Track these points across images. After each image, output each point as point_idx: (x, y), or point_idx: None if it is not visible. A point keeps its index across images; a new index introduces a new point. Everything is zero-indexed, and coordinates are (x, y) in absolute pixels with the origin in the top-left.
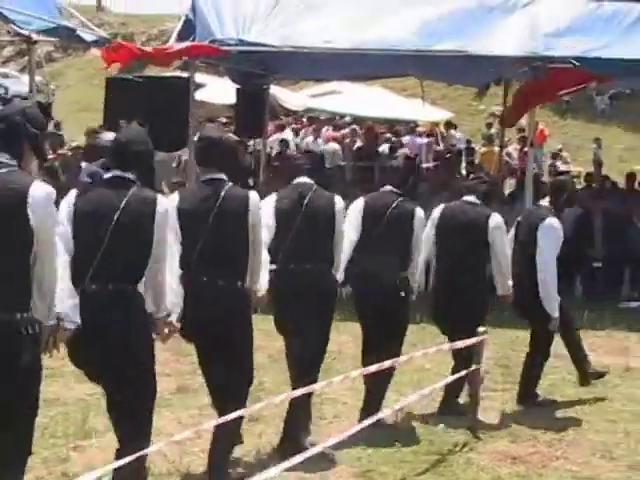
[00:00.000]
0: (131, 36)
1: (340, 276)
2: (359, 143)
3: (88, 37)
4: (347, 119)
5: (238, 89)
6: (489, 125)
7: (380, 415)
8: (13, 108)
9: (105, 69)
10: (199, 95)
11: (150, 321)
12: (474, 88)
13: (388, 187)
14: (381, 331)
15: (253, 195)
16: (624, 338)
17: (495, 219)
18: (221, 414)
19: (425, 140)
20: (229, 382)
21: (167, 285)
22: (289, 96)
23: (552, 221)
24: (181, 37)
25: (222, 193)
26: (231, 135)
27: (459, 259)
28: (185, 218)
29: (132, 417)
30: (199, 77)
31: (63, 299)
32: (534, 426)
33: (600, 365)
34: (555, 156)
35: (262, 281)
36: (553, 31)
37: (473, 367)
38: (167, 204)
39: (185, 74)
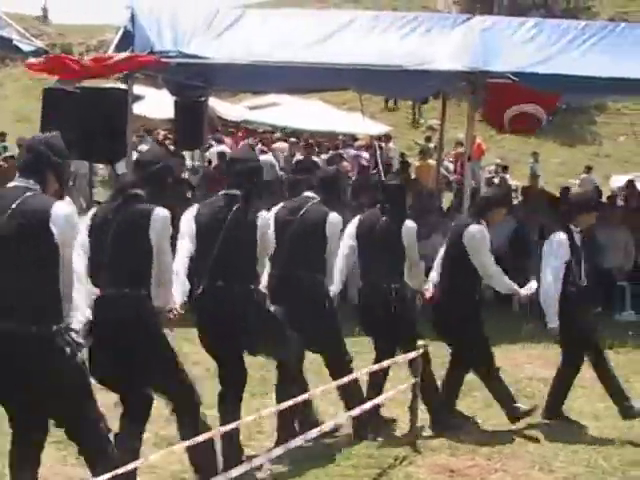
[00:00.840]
0: (69, 46)
1: None
2: (298, 156)
3: (25, 47)
4: (277, 134)
5: (176, 101)
6: (428, 138)
7: (318, 429)
8: (38, 139)
9: (43, 79)
10: (137, 107)
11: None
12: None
13: (307, 193)
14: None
15: (262, 214)
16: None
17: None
18: None
19: (364, 154)
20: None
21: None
22: (227, 108)
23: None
24: (119, 48)
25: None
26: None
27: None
28: (200, 227)
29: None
30: (137, 89)
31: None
32: (473, 440)
33: (537, 377)
34: (497, 170)
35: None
36: (492, 46)
37: (412, 381)
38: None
39: (123, 85)
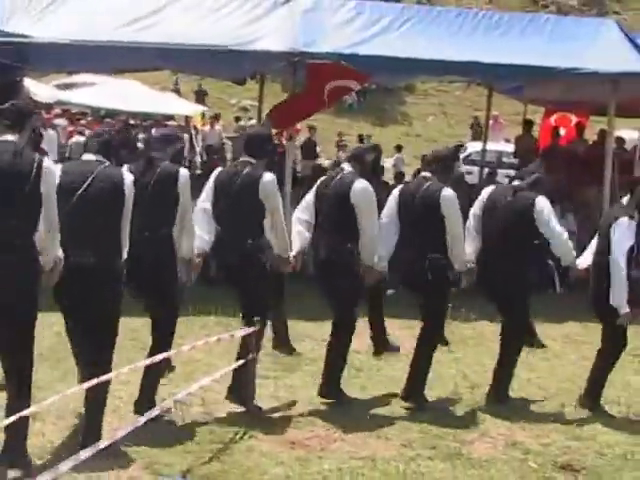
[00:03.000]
0: None
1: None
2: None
3: None
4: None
5: None
6: (237, 119)
7: (157, 409)
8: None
9: None
10: None
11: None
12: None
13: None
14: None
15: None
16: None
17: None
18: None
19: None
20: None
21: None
22: (40, 88)
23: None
24: None
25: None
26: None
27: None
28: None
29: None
30: None
31: None
32: (311, 412)
33: (364, 351)
34: None
35: None
36: (312, 28)
37: (249, 356)
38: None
39: None
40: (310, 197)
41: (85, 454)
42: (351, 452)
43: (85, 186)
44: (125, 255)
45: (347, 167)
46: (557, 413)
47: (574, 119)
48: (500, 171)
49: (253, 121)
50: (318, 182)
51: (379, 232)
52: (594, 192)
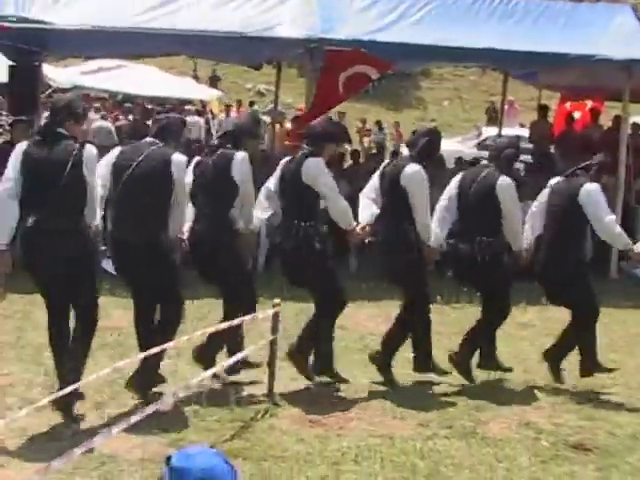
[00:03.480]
0: None
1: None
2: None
3: None
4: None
5: (12, 66)
6: (251, 103)
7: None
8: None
9: None
10: None
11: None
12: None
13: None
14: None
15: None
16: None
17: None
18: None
19: (197, 118)
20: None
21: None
22: (58, 73)
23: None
24: None
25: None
26: None
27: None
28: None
29: None
30: None
31: None
32: (327, 393)
33: (379, 333)
34: None
35: None
36: (330, 14)
37: (270, 337)
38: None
39: None
40: (375, 180)
41: (116, 429)
42: (369, 430)
43: (134, 165)
44: (177, 232)
45: (405, 152)
46: (569, 394)
47: (589, 104)
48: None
49: (270, 106)
50: (381, 166)
51: (437, 213)
52: (609, 177)
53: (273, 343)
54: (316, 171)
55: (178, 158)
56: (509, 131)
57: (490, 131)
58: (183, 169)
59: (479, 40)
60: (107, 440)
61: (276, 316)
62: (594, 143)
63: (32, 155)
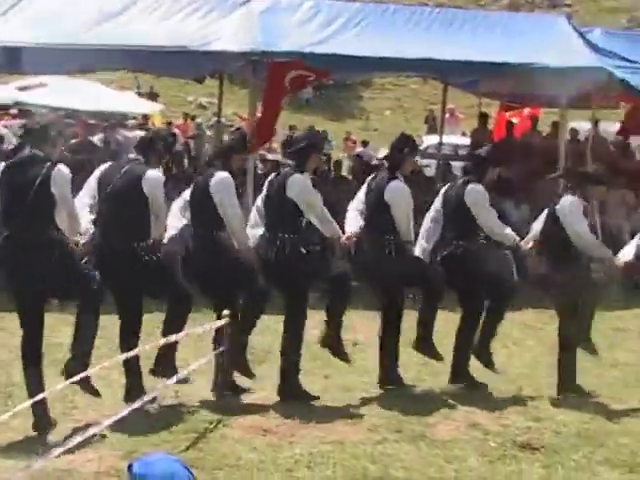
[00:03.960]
0: None
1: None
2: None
3: None
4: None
5: None
6: (192, 117)
7: (142, 400)
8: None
9: None
10: None
11: None
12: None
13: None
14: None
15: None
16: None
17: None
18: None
19: (139, 133)
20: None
21: None
22: None
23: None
24: None
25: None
26: None
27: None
28: None
29: None
30: None
31: None
32: (279, 401)
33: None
34: None
35: None
36: (271, 28)
37: (220, 349)
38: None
39: None
40: (362, 193)
41: (71, 442)
42: (320, 437)
43: (114, 182)
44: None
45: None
46: (516, 396)
47: (527, 111)
48: (455, 164)
49: (214, 120)
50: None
51: (425, 226)
52: (549, 183)
53: (219, 355)
54: (300, 189)
55: (151, 175)
56: (450, 139)
57: (431, 139)
58: (155, 185)
59: (419, 50)
60: (62, 454)
61: (223, 329)
62: (533, 149)
63: (5, 175)
